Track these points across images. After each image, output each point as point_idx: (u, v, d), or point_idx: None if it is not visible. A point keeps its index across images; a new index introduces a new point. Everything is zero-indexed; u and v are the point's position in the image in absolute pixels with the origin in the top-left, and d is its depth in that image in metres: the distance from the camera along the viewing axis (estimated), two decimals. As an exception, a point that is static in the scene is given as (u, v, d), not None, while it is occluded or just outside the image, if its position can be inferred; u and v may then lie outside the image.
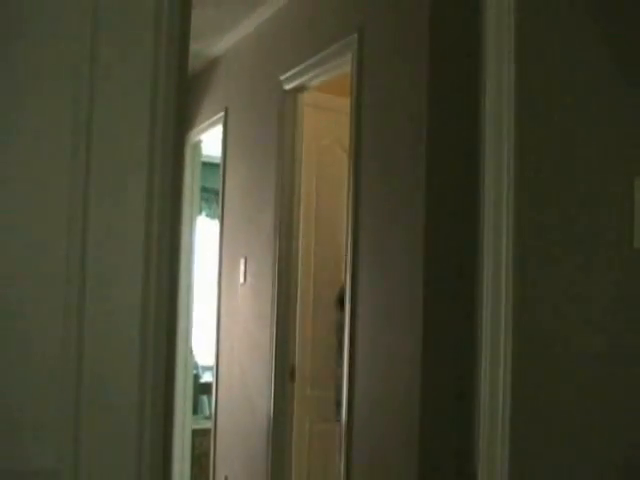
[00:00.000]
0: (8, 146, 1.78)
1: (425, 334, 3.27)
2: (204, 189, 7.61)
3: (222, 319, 5.75)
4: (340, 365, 4.03)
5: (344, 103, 4.24)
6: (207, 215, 8.69)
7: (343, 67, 4.23)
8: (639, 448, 2.50)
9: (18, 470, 1.75)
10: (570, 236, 2.50)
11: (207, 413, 7.79)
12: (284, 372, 4.81)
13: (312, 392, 4.91)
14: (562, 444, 2.46)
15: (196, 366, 7.86)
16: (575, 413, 2.48)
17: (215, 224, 6.70)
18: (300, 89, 4.84)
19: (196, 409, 7.71)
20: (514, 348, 2.43)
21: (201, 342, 7.61)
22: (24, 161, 1.80)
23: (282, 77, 4.87)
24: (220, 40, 5.87)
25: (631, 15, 2.59)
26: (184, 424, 6.41)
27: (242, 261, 5.39)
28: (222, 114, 5.96)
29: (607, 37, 2.57)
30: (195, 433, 6.72)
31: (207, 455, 6.00)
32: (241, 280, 5.39)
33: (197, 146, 6.70)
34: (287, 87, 4.85)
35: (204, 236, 7.57)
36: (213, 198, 8.21)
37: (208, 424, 6.42)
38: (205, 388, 7.90)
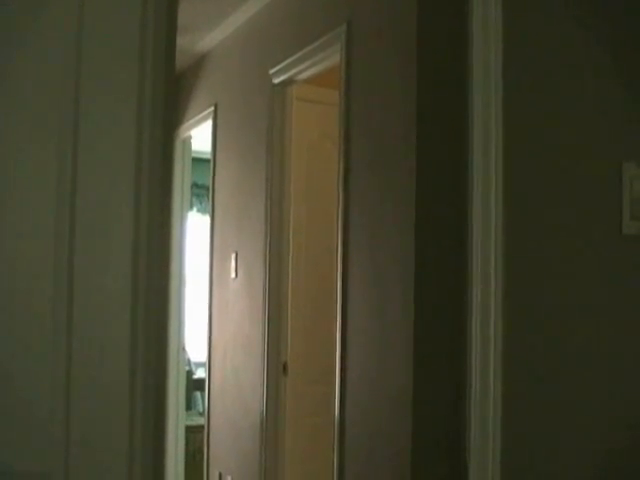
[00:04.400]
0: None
1: (417, 326, 3.26)
2: (195, 185, 7.59)
3: (214, 314, 5.73)
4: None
5: (334, 96, 4.22)
6: (198, 211, 8.68)
7: (332, 59, 4.22)
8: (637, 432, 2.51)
9: (6, 472, 1.74)
10: (559, 222, 2.49)
11: (200, 409, 7.78)
12: (277, 367, 4.80)
13: (305, 387, 4.90)
14: (558, 431, 2.46)
15: (189, 362, 7.84)
16: (567, 390, 2.48)
17: (206, 219, 6.68)
18: (289, 82, 4.82)
19: (189, 405, 7.70)
20: (504, 332, 2.43)
21: (193, 338, 7.59)
22: (9, 143, 1.79)
23: (271, 71, 4.86)
24: (208, 35, 5.85)
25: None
26: (177, 421, 6.40)
27: (233, 256, 5.38)
28: (212, 109, 5.94)
29: (593, 24, 2.57)
30: (189, 429, 6.71)
31: (201, 451, 6.00)
32: (232, 275, 5.38)
33: (187, 142, 6.68)
34: (276, 81, 4.84)
35: (195, 232, 7.56)
36: (204, 193, 8.19)
37: (201, 420, 6.41)
38: (198, 384, 7.89)
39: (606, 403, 2.52)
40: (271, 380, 4.78)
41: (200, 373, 8.12)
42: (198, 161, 7.21)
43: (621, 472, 2.52)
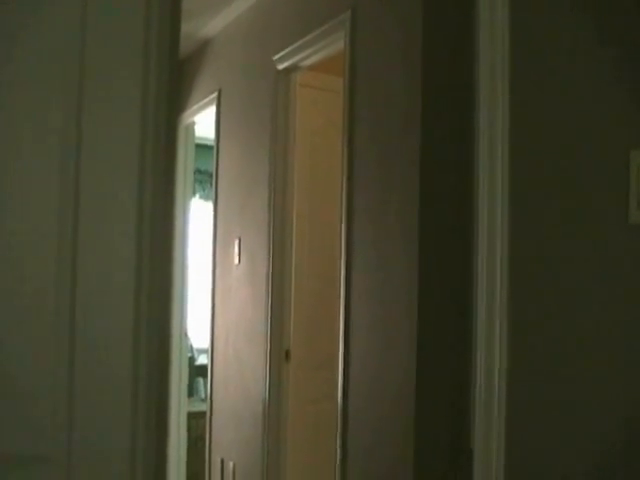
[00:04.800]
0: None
1: (420, 313, 3.26)
2: (198, 171, 7.58)
3: (217, 301, 5.73)
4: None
5: (338, 82, 4.21)
6: (201, 197, 8.66)
7: (336, 45, 4.20)
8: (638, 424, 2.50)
9: (9, 454, 1.74)
10: (564, 210, 2.48)
11: (203, 395, 7.79)
12: (279, 353, 4.80)
13: (308, 373, 4.91)
14: (564, 429, 2.46)
15: (191, 348, 7.85)
16: (572, 387, 2.48)
17: (209, 206, 6.67)
18: (293, 69, 4.81)
19: (191, 392, 7.71)
20: (509, 326, 2.43)
21: (196, 324, 7.60)
22: (11, 138, 1.79)
23: (275, 57, 4.84)
24: (213, 21, 5.82)
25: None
26: (179, 407, 6.41)
27: (236, 242, 5.37)
28: (215, 95, 5.93)
29: (601, 17, 2.55)
30: (191, 416, 6.72)
31: (203, 438, 6.00)
32: (235, 261, 5.37)
33: (190, 128, 6.67)
34: (280, 67, 4.82)
35: (198, 218, 7.55)
36: (207, 180, 8.18)
37: (204, 407, 6.42)
38: (200, 370, 7.89)
39: (614, 401, 2.52)
40: (273, 367, 4.79)
41: (202, 359, 8.13)
42: (201, 147, 7.20)
43: (625, 470, 2.51)
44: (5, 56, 1.78)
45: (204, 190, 8.59)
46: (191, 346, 7.79)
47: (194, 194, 7.56)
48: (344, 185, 3.93)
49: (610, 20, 2.56)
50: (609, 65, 2.53)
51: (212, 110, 6.02)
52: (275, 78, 4.89)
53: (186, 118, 6.55)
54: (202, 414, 6.36)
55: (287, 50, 4.69)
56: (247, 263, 5.21)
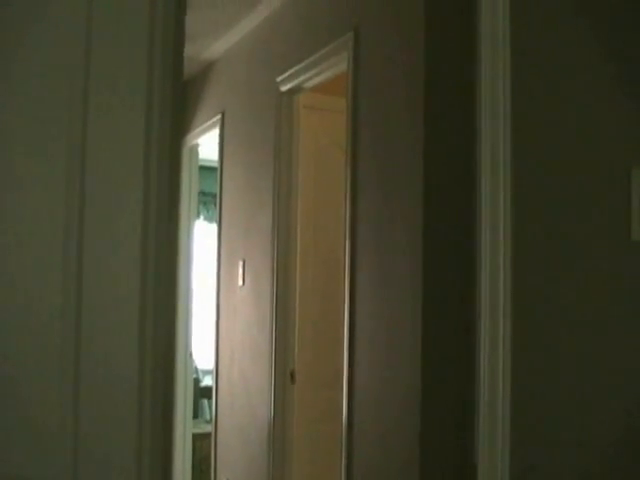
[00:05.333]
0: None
1: (425, 332, 3.26)
2: (202, 193, 7.60)
3: (221, 322, 5.73)
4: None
5: (341, 103, 4.23)
6: (205, 219, 8.69)
7: (339, 67, 4.23)
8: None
9: (15, 476, 1.74)
10: (567, 227, 2.49)
11: (208, 417, 7.77)
12: (284, 374, 4.80)
13: (313, 394, 4.90)
14: (569, 431, 2.46)
15: (196, 370, 7.84)
16: (576, 403, 2.48)
17: (213, 227, 6.69)
18: (296, 90, 4.83)
19: (196, 413, 7.70)
20: (513, 335, 2.43)
21: (201, 346, 7.59)
22: (20, 150, 1.80)
23: (278, 79, 4.86)
24: (216, 43, 5.86)
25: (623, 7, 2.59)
26: (184, 428, 6.40)
27: (240, 263, 5.38)
28: (219, 117, 5.96)
29: (602, 32, 2.57)
30: (196, 437, 6.71)
31: (208, 459, 5.99)
32: (240, 282, 5.38)
33: (194, 150, 6.69)
34: (283, 89, 4.85)
35: (202, 240, 7.57)
36: (211, 201, 8.20)
37: (209, 428, 6.41)
38: (205, 392, 7.89)
39: (616, 416, 2.52)
40: (279, 387, 4.78)
41: (207, 381, 8.12)
42: (205, 169, 7.22)
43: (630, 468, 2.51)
44: (7, 71, 1.80)
45: (208, 212, 8.62)
46: (196, 367, 7.79)
47: (198, 216, 7.58)
48: (348, 205, 3.94)
49: (611, 36, 2.57)
50: (609, 82, 2.55)
51: (216, 132, 6.05)
52: (278, 100, 4.91)
53: (190, 140, 6.58)
54: (207, 435, 6.35)
55: (290, 72, 4.72)
56: (251, 284, 5.22)
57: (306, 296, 4.91)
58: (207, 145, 6.63)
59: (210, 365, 6.15)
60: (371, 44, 3.87)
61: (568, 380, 2.47)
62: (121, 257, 1.83)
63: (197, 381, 7.95)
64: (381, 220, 3.68)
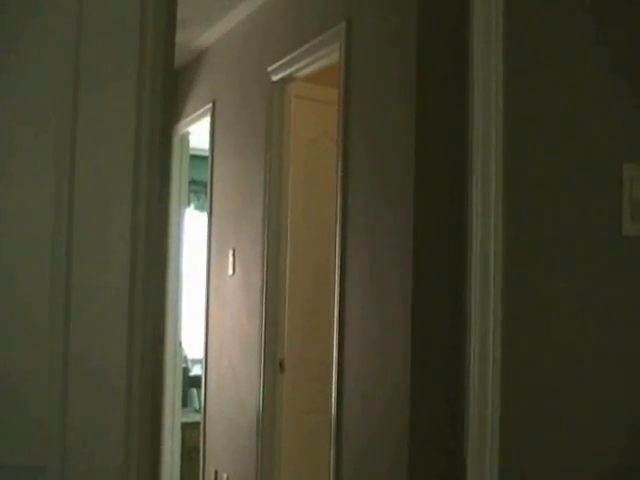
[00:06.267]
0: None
1: (415, 323, 3.26)
2: (192, 182, 7.58)
3: (211, 311, 5.73)
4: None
5: (333, 93, 4.22)
6: (196, 207, 8.67)
7: (331, 57, 4.21)
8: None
9: (5, 465, 1.74)
10: (558, 223, 2.49)
11: (197, 406, 7.77)
12: (274, 363, 4.79)
13: (302, 384, 4.90)
14: (557, 430, 2.46)
15: (185, 359, 7.84)
16: (566, 399, 2.48)
17: (204, 216, 6.67)
18: (288, 80, 4.82)
19: (185, 402, 7.69)
20: (503, 332, 2.43)
21: (190, 335, 7.59)
22: (7, 146, 1.79)
23: (270, 68, 4.85)
24: (207, 32, 5.84)
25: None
26: (173, 417, 6.39)
27: (231, 253, 5.38)
28: (210, 106, 5.94)
29: (594, 31, 2.57)
30: (185, 427, 6.71)
31: (197, 449, 5.99)
32: (230, 272, 5.37)
33: (185, 138, 6.68)
34: (275, 78, 4.83)
35: (193, 228, 7.56)
36: (202, 190, 8.18)
37: (198, 417, 6.40)
38: (194, 381, 7.88)
39: (607, 403, 2.52)
40: (268, 377, 4.78)
41: (196, 370, 8.12)
42: (196, 158, 7.20)
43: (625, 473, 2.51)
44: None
45: (199, 200, 8.60)
46: (185, 357, 7.78)
47: (189, 204, 7.56)
48: (339, 196, 3.94)
49: (603, 35, 2.57)
50: (601, 79, 2.55)
51: (207, 121, 6.03)
52: (270, 89, 4.90)
53: (181, 128, 6.56)
54: (196, 425, 6.34)
55: (282, 61, 4.70)
56: (241, 273, 5.21)
57: (296, 286, 4.91)
58: (198, 134, 6.61)
59: (200, 354, 6.14)
60: (363, 35, 3.86)
61: (558, 376, 2.48)
62: (111, 246, 1.83)
63: (186, 370, 7.94)
64: (372, 211, 3.68)
